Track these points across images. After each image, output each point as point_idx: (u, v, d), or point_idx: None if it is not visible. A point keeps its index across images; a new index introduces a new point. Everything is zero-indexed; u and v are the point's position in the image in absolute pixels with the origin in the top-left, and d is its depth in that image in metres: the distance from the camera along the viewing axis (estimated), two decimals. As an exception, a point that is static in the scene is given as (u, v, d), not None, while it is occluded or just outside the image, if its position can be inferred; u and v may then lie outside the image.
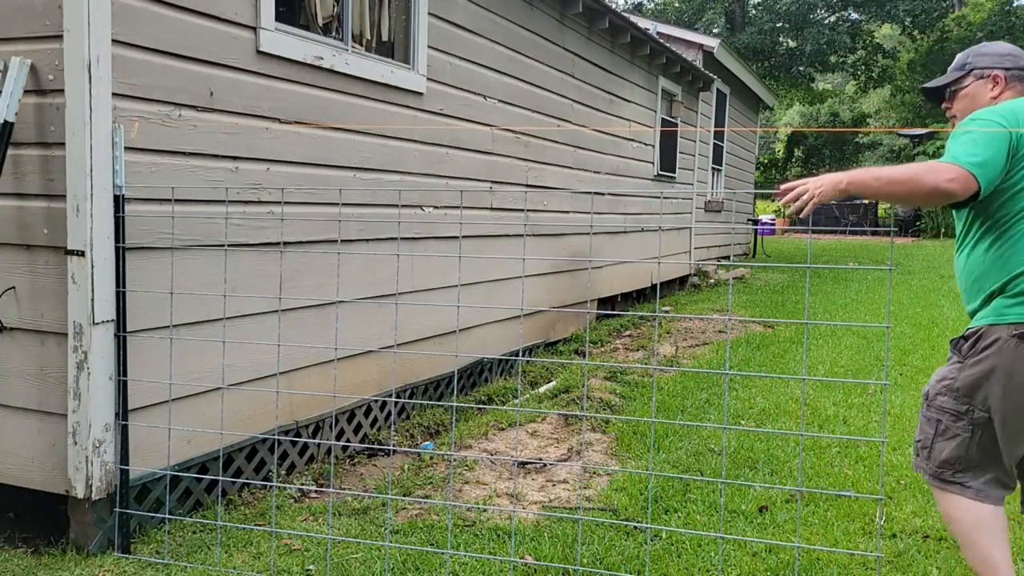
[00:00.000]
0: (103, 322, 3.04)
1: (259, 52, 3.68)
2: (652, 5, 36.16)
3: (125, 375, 3.10)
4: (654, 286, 10.44)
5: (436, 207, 5.05)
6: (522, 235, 6.33)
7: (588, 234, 7.71)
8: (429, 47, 4.90)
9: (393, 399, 4.32)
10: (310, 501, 3.80)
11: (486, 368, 5.89)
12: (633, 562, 3.07)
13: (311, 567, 3.03)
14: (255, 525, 3.40)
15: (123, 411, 3.11)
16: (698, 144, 12.14)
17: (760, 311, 9.35)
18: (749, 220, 16.91)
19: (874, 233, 23.82)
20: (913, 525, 3.45)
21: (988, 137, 2.32)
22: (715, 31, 30.66)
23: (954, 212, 2.56)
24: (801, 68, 32.58)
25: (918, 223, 24.04)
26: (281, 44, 3.79)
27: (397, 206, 4.71)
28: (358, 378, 4.46)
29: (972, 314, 2.49)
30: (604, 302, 8.52)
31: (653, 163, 9.69)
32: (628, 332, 8.08)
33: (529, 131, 6.25)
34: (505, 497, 3.82)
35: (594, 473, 4.12)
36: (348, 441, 4.41)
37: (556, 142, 6.78)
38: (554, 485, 4.01)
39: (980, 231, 2.45)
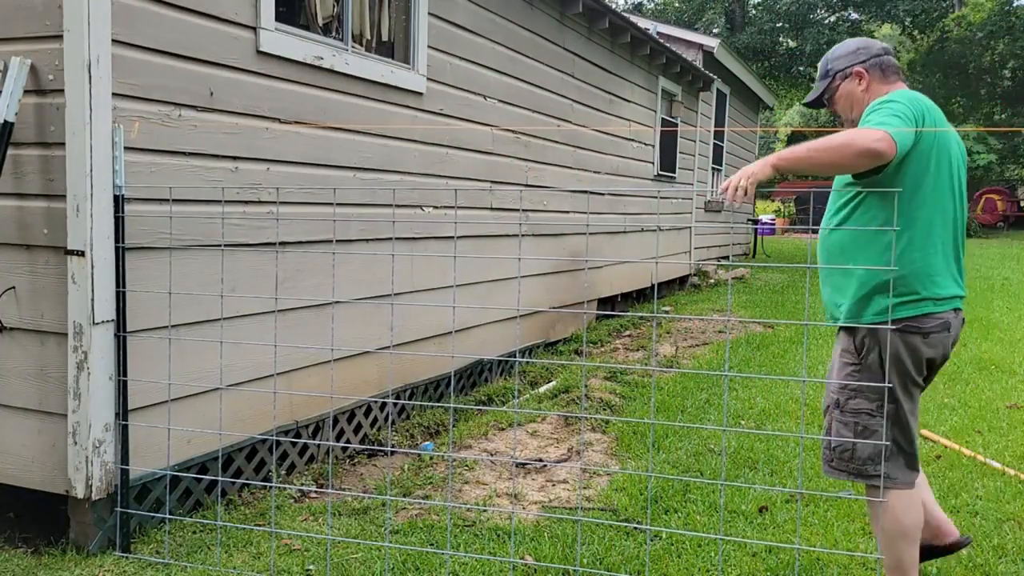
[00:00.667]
0: (103, 322, 3.04)
1: (259, 52, 3.68)
2: (652, 5, 36.17)
3: (125, 375, 3.10)
4: (654, 286, 10.44)
5: (436, 207, 5.05)
6: (522, 235, 6.33)
7: (588, 234, 7.71)
8: (429, 47, 4.90)
9: (391, 399, 4.32)
10: (310, 501, 3.80)
11: (486, 368, 5.89)
12: (633, 562, 3.07)
13: (311, 567, 3.03)
14: (255, 525, 3.40)
15: (123, 411, 3.11)
16: (698, 144, 12.14)
17: (760, 311, 9.35)
18: (749, 220, 16.91)
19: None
20: (913, 525, 3.44)
21: (901, 117, 2.45)
22: (715, 31, 30.66)
23: (834, 193, 2.68)
24: (801, 68, 32.58)
25: (918, 223, 23.98)
26: (281, 44, 3.79)
27: (398, 206, 4.71)
28: (358, 378, 4.46)
29: (849, 305, 2.58)
30: (604, 302, 8.52)
31: (653, 163, 9.69)
32: (628, 332, 8.08)
33: (529, 131, 6.25)
34: (505, 497, 3.82)
35: (594, 473, 4.12)
36: (348, 441, 4.41)
37: (556, 142, 6.78)
38: (554, 485, 4.01)
39: (866, 220, 2.55)
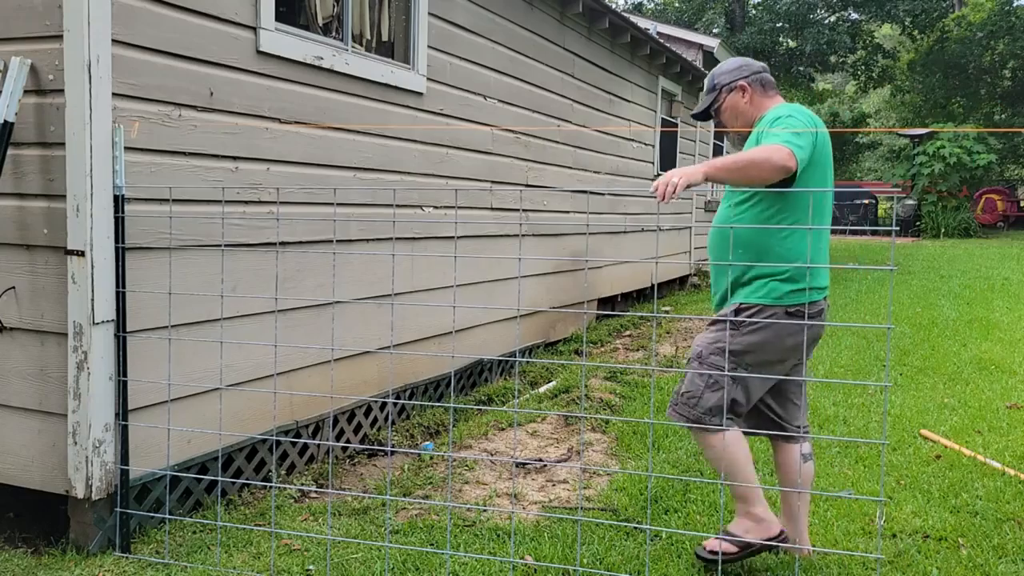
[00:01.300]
0: (103, 322, 3.04)
1: (259, 52, 3.68)
2: (652, 5, 36.17)
3: (125, 375, 3.10)
4: (654, 286, 10.44)
5: (436, 207, 5.05)
6: (522, 235, 6.33)
7: (586, 234, 7.71)
8: (429, 47, 4.91)
9: (390, 400, 4.32)
10: (310, 501, 3.80)
11: (486, 368, 5.89)
12: (633, 562, 3.07)
13: (311, 567, 3.03)
14: (255, 525, 3.40)
15: (123, 411, 3.11)
16: (698, 144, 12.14)
17: (760, 311, 9.34)
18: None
19: (874, 233, 23.82)
20: (913, 525, 3.45)
21: (805, 141, 2.74)
22: (715, 31, 30.65)
23: (728, 192, 2.97)
24: (801, 68, 32.58)
25: (918, 223, 24.03)
26: (281, 44, 3.79)
27: (398, 206, 4.72)
28: (358, 378, 4.46)
29: (735, 285, 2.90)
30: (604, 302, 8.52)
31: (653, 163, 9.70)
32: (628, 332, 8.09)
33: (529, 131, 6.25)
34: (505, 497, 3.82)
35: (594, 473, 4.12)
36: (348, 441, 4.41)
37: (556, 142, 6.78)
38: (554, 485, 4.01)
39: (766, 214, 2.83)
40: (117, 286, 3.07)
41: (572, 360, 6.58)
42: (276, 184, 3.81)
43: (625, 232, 8.72)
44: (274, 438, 3.81)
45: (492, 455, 4.45)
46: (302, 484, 3.90)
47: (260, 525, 3.40)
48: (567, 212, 7.04)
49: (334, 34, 4.29)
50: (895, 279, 12.66)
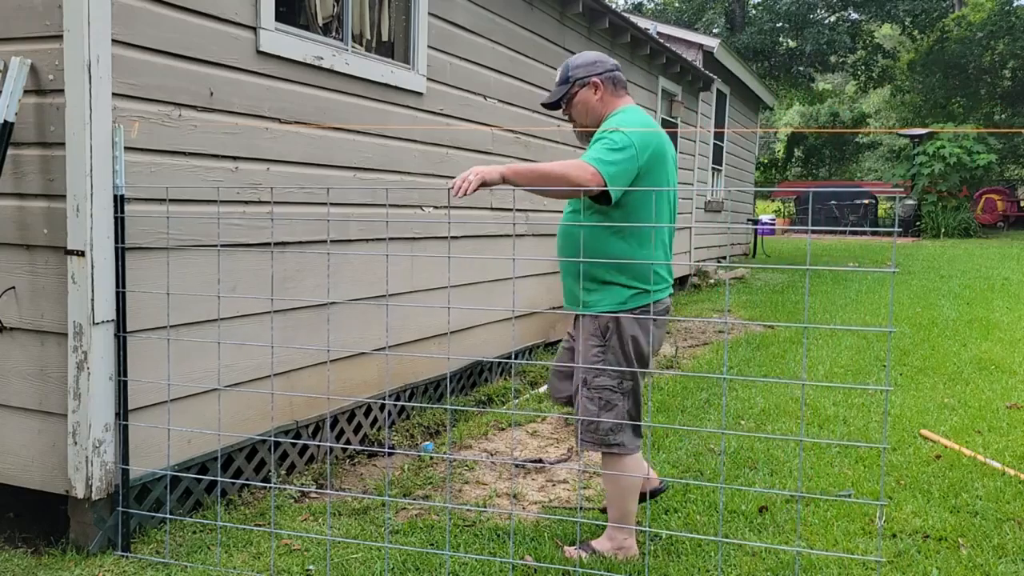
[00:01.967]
0: (103, 322, 3.04)
1: (259, 52, 3.68)
2: (652, 5, 36.17)
3: (125, 375, 3.10)
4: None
5: (436, 207, 5.05)
6: (520, 235, 6.33)
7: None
8: (429, 47, 4.91)
9: (392, 400, 4.32)
10: (310, 501, 3.80)
11: (486, 368, 5.89)
12: (633, 562, 3.07)
13: (311, 567, 3.03)
14: (255, 525, 3.40)
15: (123, 411, 3.11)
16: (698, 144, 12.14)
17: (760, 311, 9.35)
18: (749, 220, 16.91)
19: (874, 233, 23.83)
20: (913, 525, 3.45)
21: (623, 155, 2.84)
22: (715, 31, 30.66)
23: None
24: (801, 68, 32.58)
25: (918, 223, 24.03)
26: (281, 44, 3.79)
27: (398, 206, 4.72)
28: (358, 378, 4.46)
29: (587, 288, 3.01)
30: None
31: (653, 163, 9.68)
32: (628, 332, 8.07)
33: (529, 131, 6.25)
34: (505, 497, 3.82)
35: (594, 473, 4.11)
36: (348, 441, 4.41)
37: (556, 142, 6.78)
38: (554, 485, 4.01)
39: (605, 219, 2.94)
40: (117, 286, 3.07)
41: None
42: (276, 184, 3.81)
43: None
44: (272, 439, 3.81)
45: (492, 455, 4.45)
46: (302, 484, 3.90)
47: (260, 525, 3.40)
48: (567, 212, 7.03)
49: (334, 34, 4.29)
50: (895, 279, 12.66)
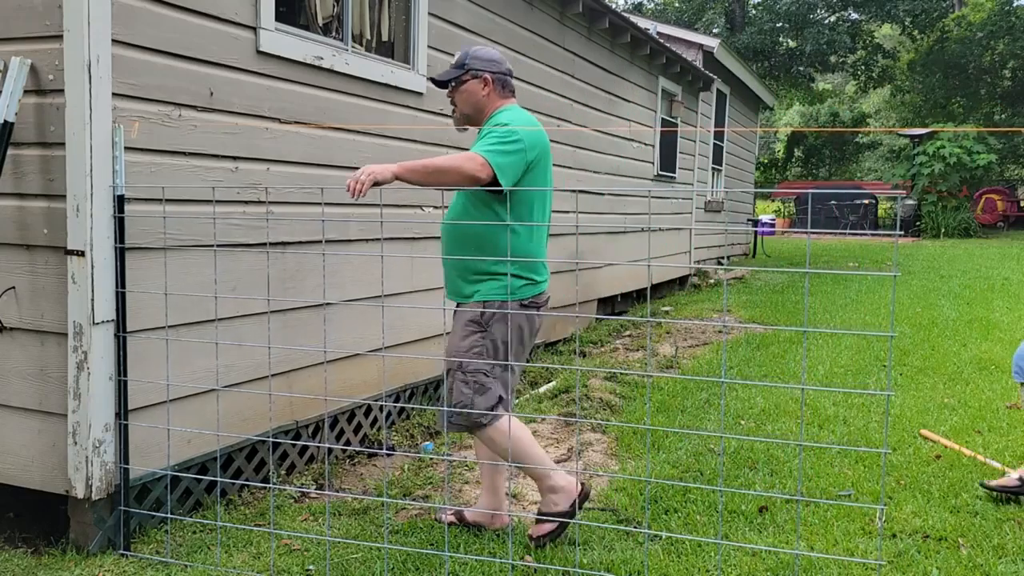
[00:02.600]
0: (103, 322, 3.04)
1: (259, 52, 3.68)
2: (652, 5, 36.16)
3: (125, 375, 3.10)
4: (655, 285, 10.44)
5: (436, 207, 5.05)
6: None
7: (585, 234, 7.71)
8: (429, 47, 4.90)
9: (392, 401, 4.32)
10: (310, 501, 3.80)
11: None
12: (633, 562, 3.06)
13: (311, 567, 3.04)
14: (255, 525, 3.40)
15: (123, 411, 3.11)
16: (698, 144, 12.14)
17: (760, 311, 9.35)
18: (749, 220, 16.91)
19: (874, 234, 23.83)
20: (913, 525, 3.45)
21: (512, 148, 2.98)
22: (715, 31, 30.65)
23: (459, 192, 3.16)
24: (801, 68, 32.57)
25: (918, 223, 24.03)
26: (281, 44, 3.79)
27: (397, 206, 4.71)
28: (358, 378, 4.45)
29: (468, 280, 3.11)
30: (604, 302, 8.52)
31: (653, 163, 9.69)
32: (628, 332, 8.09)
33: (529, 131, 6.24)
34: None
35: (594, 474, 4.11)
36: (348, 442, 4.41)
37: (556, 142, 6.78)
38: (554, 485, 4.01)
39: (491, 213, 3.03)
40: (117, 286, 3.07)
41: (572, 360, 6.58)
42: (276, 184, 3.81)
43: (625, 232, 8.72)
44: (271, 439, 3.81)
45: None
46: (302, 484, 3.90)
47: (260, 525, 3.40)
48: (566, 212, 7.04)
49: (334, 34, 4.29)
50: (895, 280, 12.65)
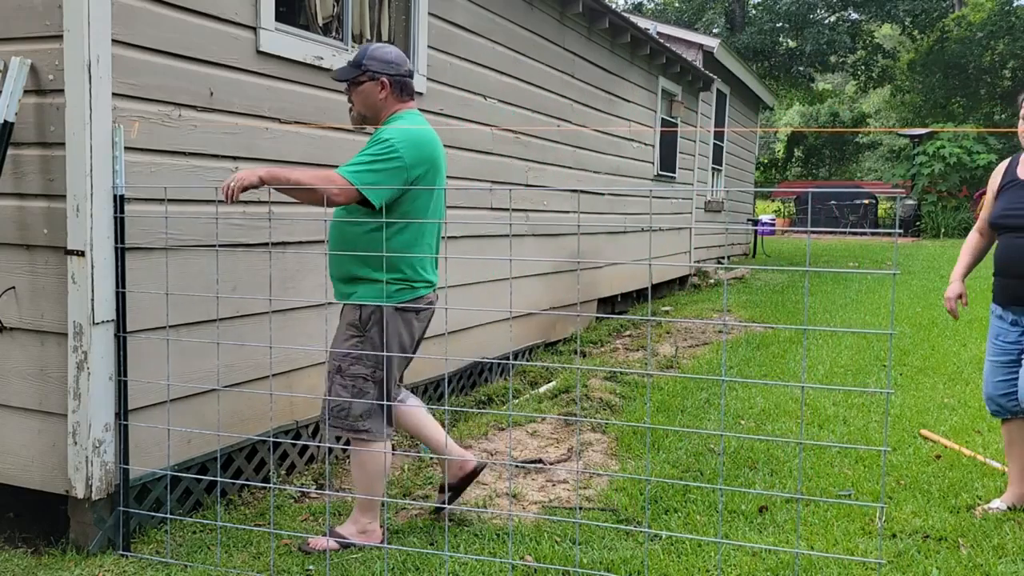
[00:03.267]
0: (103, 322, 3.04)
1: (259, 52, 3.68)
2: (652, 5, 36.16)
3: (125, 375, 3.10)
4: (655, 285, 10.44)
5: (436, 207, 5.04)
6: (523, 235, 6.33)
7: (585, 234, 7.71)
8: (429, 47, 4.90)
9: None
10: (310, 501, 3.80)
11: (486, 368, 5.89)
12: (633, 562, 3.06)
13: (311, 567, 3.04)
14: (255, 525, 3.40)
15: (123, 411, 3.11)
16: (698, 144, 12.14)
17: (760, 311, 9.35)
18: (749, 220, 16.91)
19: (874, 234, 23.83)
20: (913, 525, 3.45)
21: (387, 166, 2.97)
22: (715, 31, 30.65)
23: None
24: (801, 68, 32.57)
25: (918, 223, 24.03)
26: (281, 44, 3.79)
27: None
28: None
29: (345, 281, 3.11)
30: (604, 302, 8.52)
31: (653, 163, 9.69)
32: (628, 332, 8.09)
33: (529, 131, 6.25)
34: (505, 497, 3.82)
35: (594, 473, 4.11)
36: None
37: (556, 142, 6.78)
38: (554, 485, 4.01)
39: (374, 217, 3.01)
40: (117, 286, 3.07)
41: (572, 360, 6.58)
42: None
43: (625, 232, 8.72)
44: (271, 439, 3.81)
45: (492, 455, 4.45)
46: (302, 484, 3.90)
47: (260, 525, 3.40)
48: (567, 212, 7.04)
49: (334, 34, 4.29)
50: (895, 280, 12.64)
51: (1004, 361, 3.54)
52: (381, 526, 3.30)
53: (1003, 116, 32.63)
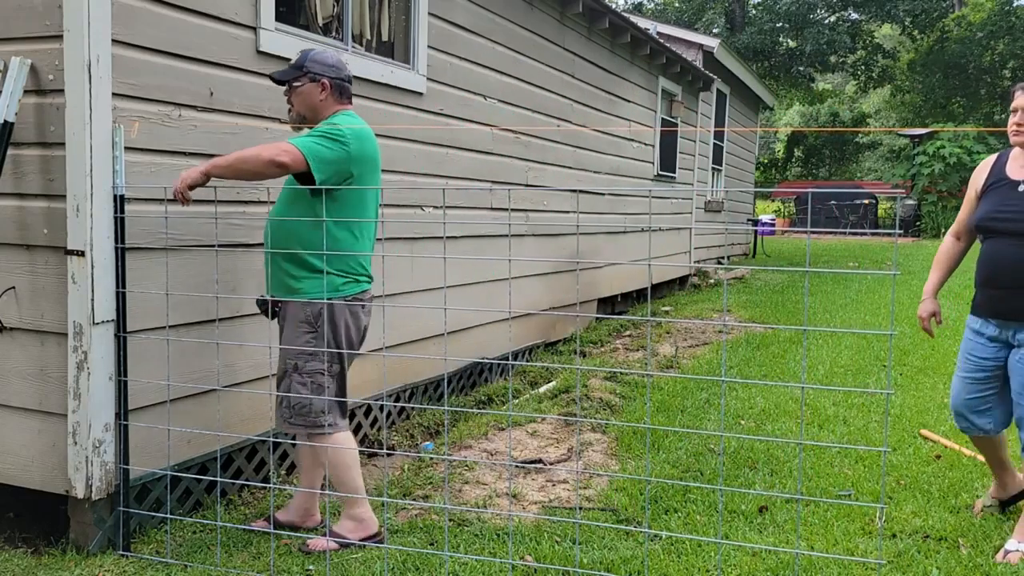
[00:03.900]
0: (103, 322, 3.04)
1: (259, 52, 3.68)
2: (652, 5, 36.16)
3: (125, 375, 3.10)
4: (655, 285, 10.44)
5: (436, 207, 5.05)
6: (523, 235, 6.33)
7: (585, 234, 7.71)
8: (429, 47, 4.90)
9: (392, 400, 4.31)
10: (310, 501, 3.80)
11: (486, 368, 5.89)
12: (633, 562, 3.06)
13: (311, 567, 3.04)
14: (255, 525, 3.40)
15: (123, 411, 3.11)
16: (698, 144, 12.14)
17: (760, 311, 9.35)
18: (749, 220, 16.91)
19: (874, 234, 23.83)
20: (913, 525, 3.45)
21: (335, 146, 3.02)
22: (715, 31, 30.66)
23: (285, 190, 3.18)
24: (801, 68, 32.57)
25: (918, 223, 24.04)
26: (281, 44, 3.79)
27: (398, 206, 4.71)
28: (358, 378, 4.44)
29: (292, 277, 3.11)
30: (604, 302, 8.52)
31: (653, 163, 9.69)
32: (628, 332, 8.08)
33: (529, 131, 6.24)
34: (505, 497, 3.82)
35: (594, 473, 4.11)
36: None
37: (556, 142, 6.78)
38: (554, 485, 4.01)
39: (313, 211, 3.03)
40: (117, 286, 3.07)
41: (572, 360, 6.58)
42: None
43: (625, 232, 8.72)
44: (271, 440, 3.81)
45: (492, 455, 4.45)
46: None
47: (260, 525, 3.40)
48: (567, 212, 7.04)
49: (334, 34, 4.29)
50: (895, 280, 12.63)
51: (978, 378, 3.34)
52: (381, 525, 3.29)
53: (1003, 116, 32.59)
